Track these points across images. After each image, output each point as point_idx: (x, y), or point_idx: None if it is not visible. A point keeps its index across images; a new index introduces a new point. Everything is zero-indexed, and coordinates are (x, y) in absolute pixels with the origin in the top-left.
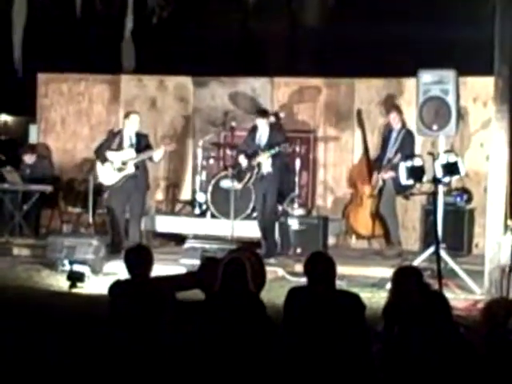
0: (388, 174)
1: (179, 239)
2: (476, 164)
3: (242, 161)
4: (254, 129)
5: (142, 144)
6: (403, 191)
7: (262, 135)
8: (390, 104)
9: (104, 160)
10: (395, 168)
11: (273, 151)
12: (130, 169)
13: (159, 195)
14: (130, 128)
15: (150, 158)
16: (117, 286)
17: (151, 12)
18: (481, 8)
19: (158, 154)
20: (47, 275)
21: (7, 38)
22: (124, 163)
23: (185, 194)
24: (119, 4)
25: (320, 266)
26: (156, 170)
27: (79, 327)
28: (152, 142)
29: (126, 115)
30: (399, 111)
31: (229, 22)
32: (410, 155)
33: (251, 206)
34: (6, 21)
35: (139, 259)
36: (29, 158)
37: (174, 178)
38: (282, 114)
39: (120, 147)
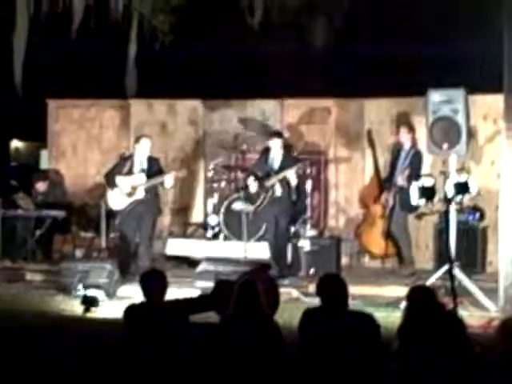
0: (403, 181)
1: (192, 262)
2: (487, 182)
3: (252, 183)
4: (267, 151)
5: (154, 168)
6: (413, 210)
7: (275, 157)
8: (402, 121)
9: (113, 185)
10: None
11: (289, 171)
12: (140, 194)
13: (171, 219)
14: (141, 152)
15: (161, 184)
16: (132, 310)
17: (153, 38)
18: (489, 25)
19: (168, 179)
20: (61, 300)
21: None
22: (134, 188)
23: (196, 217)
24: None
25: (332, 287)
26: (167, 194)
27: (94, 352)
28: (164, 166)
29: (137, 140)
30: (410, 129)
31: (236, 43)
32: (420, 175)
33: (263, 227)
34: (7, 46)
35: (154, 283)
36: (41, 186)
37: (184, 202)
38: (286, 135)
39: (130, 172)
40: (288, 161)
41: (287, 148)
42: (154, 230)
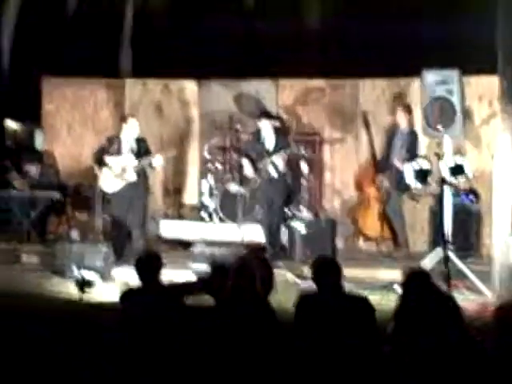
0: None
1: (186, 244)
2: (483, 164)
3: (246, 165)
4: (258, 132)
5: (142, 149)
6: (408, 192)
7: (267, 138)
8: (398, 102)
9: (103, 166)
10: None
11: (279, 155)
12: (131, 175)
13: (165, 200)
14: (129, 132)
15: (150, 165)
16: (128, 295)
17: (150, 18)
18: (484, 6)
19: (157, 160)
20: (56, 282)
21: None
22: (124, 169)
23: (191, 199)
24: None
25: (326, 272)
26: (162, 175)
27: (90, 334)
28: (158, 147)
29: (124, 119)
30: (407, 110)
31: (231, 22)
32: (416, 157)
33: (258, 209)
34: None
35: (150, 266)
36: (31, 169)
37: (179, 183)
38: (284, 117)
39: (119, 152)
40: (281, 142)
41: (281, 129)
42: (145, 211)
